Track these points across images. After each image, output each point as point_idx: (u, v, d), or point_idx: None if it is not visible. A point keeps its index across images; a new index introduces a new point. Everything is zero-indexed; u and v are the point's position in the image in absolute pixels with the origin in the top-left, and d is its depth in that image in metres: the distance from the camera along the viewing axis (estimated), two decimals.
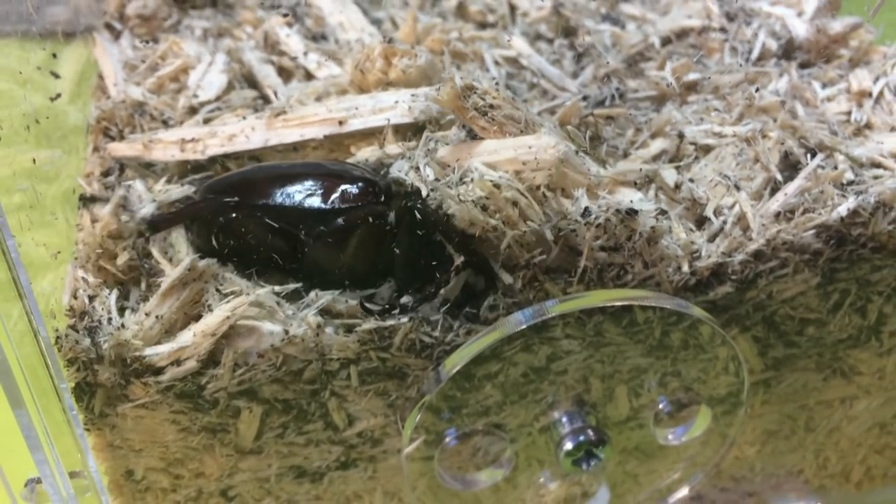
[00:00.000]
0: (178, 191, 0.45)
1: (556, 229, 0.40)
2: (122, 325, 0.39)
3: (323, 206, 0.41)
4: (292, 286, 0.41)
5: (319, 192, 0.42)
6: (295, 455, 0.44)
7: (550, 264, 0.41)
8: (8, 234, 0.35)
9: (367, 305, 0.41)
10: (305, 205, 0.41)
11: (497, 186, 0.40)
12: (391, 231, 0.41)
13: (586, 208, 0.40)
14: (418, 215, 0.40)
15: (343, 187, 0.42)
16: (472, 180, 0.41)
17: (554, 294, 0.41)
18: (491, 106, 0.42)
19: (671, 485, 0.51)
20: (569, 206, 0.41)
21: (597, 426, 0.45)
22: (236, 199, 0.42)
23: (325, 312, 0.41)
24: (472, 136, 0.44)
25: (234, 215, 0.41)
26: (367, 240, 0.41)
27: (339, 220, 0.41)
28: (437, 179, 0.42)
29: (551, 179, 0.41)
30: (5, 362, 0.36)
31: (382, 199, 0.42)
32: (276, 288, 0.41)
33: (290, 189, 0.42)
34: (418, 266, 0.41)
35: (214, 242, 0.42)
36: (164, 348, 0.39)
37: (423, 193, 0.41)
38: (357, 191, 0.42)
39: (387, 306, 0.41)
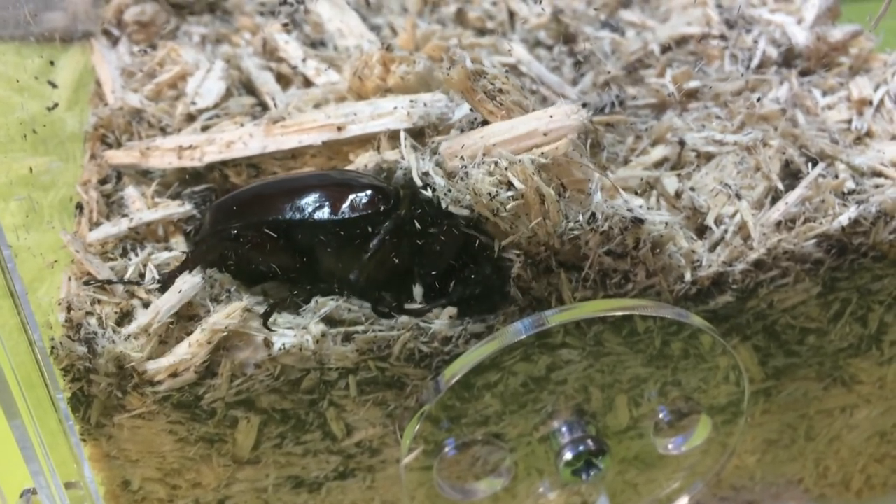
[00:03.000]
0: (180, 211, 0.45)
1: (568, 232, 0.40)
2: (125, 337, 0.39)
3: (334, 216, 0.41)
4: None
5: (331, 201, 0.41)
6: (293, 465, 0.44)
7: (562, 259, 0.41)
8: (4, 244, 0.35)
9: (379, 309, 0.41)
10: (318, 216, 0.41)
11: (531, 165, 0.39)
12: (406, 235, 0.41)
13: (592, 214, 0.40)
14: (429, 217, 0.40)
15: (353, 195, 0.41)
16: (494, 164, 0.39)
17: (564, 296, 0.41)
18: (500, 90, 0.42)
19: (671, 494, 0.50)
20: (577, 208, 0.40)
21: (596, 436, 0.45)
22: (242, 224, 0.42)
23: (329, 321, 0.41)
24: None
25: (244, 241, 0.41)
26: (382, 245, 0.41)
27: (353, 227, 0.41)
28: (453, 175, 0.41)
29: (576, 147, 0.40)
30: (1, 373, 0.36)
31: (392, 203, 0.42)
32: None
33: (302, 202, 0.42)
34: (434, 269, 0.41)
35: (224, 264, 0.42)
36: (163, 362, 0.39)
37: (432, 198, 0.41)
38: (367, 198, 0.41)
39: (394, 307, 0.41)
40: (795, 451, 0.53)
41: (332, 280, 0.42)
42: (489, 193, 0.39)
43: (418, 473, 0.44)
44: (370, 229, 0.41)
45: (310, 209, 0.41)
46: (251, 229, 0.41)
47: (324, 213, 0.41)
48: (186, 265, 0.42)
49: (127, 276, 0.42)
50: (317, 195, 0.42)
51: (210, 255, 0.42)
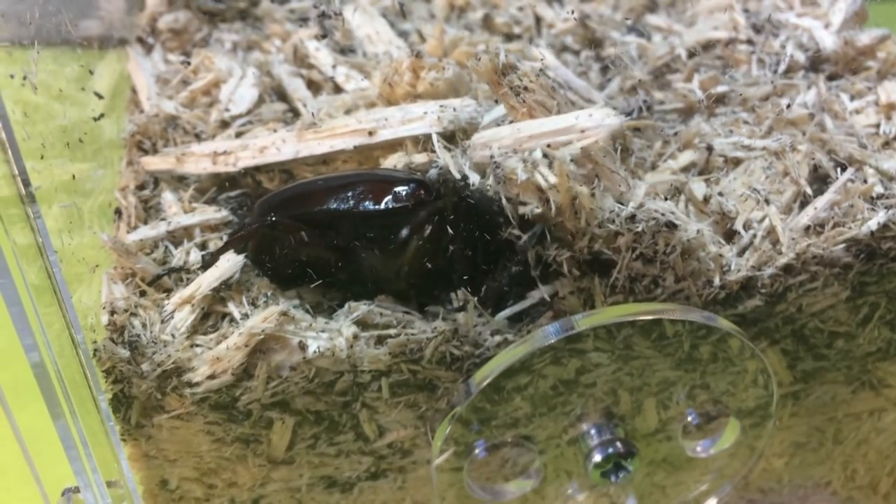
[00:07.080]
0: (216, 216, 0.45)
1: (605, 224, 0.40)
2: (168, 313, 0.41)
3: (378, 207, 0.42)
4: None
5: (374, 194, 0.42)
6: (326, 465, 0.45)
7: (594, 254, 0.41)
8: (50, 250, 0.36)
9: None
10: (362, 208, 0.42)
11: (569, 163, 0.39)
12: (452, 225, 0.42)
13: (633, 215, 0.40)
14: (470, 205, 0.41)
15: (397, 188, 0.42)
16: (528, 154, 0.40)
17: (595, 301, 0.41)
18: (525, 88, 0.42)
19: (699, 497, 0.51)
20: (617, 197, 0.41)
21: (625, 438, 0.45)
22: (285, 213, 0.43)
23: (361, 324, 0.41)
24: None
25: (285, 228, 0.42)
26: (432, 236, 0.42)
27: (396, 218, 0.41)
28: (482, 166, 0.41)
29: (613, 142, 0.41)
30: (47, 374, 0.37)
31: (434, 196, 0.42)
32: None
33: (346, 194, 0.42)
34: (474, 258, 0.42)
35: (271, 262, 0.43)
36: (203, 358, 0.40)
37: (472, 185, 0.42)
38: (411, 190, 0.42)
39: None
40: (823, 454, 0.53)
41: (373, 276, 0.42)
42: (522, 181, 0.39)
43: (449, 474, 0.45)
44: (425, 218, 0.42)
45: (353, 201, 0.42)
46: (294, 218, 0.42)
47: (368, 205, 0.42)
48: (229, 246, 0.43)
49: (172, 264, 0.44)
50: (361, 189, 0.42)
51: (251, 239, 0.43)
